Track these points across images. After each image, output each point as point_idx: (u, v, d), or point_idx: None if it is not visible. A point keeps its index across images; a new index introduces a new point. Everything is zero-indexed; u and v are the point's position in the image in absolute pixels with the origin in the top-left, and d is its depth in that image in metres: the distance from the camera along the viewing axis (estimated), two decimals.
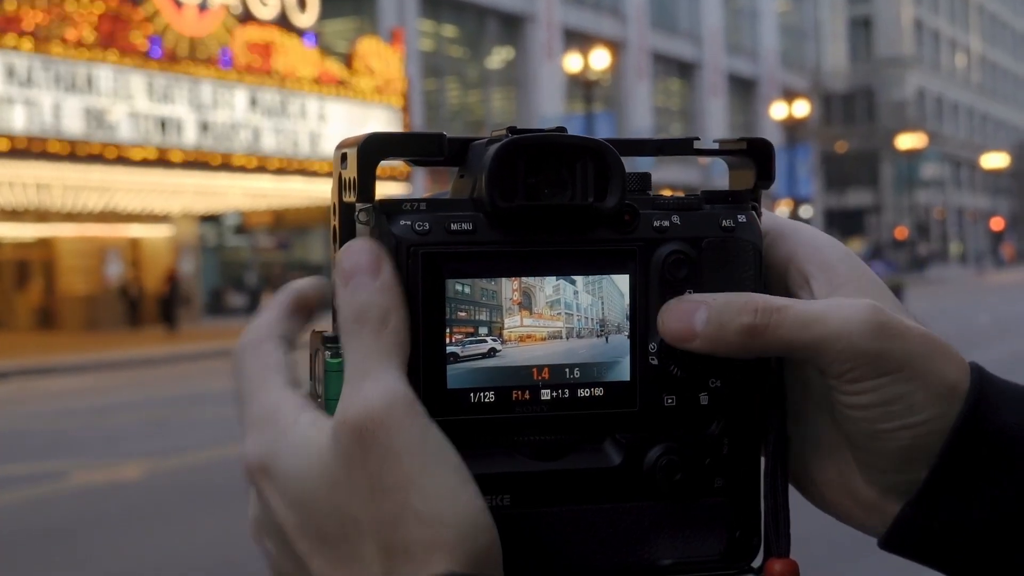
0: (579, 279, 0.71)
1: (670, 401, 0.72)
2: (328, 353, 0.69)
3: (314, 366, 0.73)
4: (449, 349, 0.68)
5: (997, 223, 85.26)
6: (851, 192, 69.22)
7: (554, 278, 0.70)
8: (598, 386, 0.71)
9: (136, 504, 9.39)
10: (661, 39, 47.48)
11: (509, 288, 0.70)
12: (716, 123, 49.92)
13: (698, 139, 0.77)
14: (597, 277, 0.71)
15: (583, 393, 0.71)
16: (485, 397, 0.69)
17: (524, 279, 0.70)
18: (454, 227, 0.68)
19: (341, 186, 0.70)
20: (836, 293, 0.73)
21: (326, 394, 0.69)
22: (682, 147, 0.77)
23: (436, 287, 0.68)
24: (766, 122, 52.56)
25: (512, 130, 0.70)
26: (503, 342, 0.69)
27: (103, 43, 23.24)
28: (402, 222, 0.68)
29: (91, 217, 30.12)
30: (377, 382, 0.65)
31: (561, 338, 0.71)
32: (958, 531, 0.71)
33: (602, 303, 0.71)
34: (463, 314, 0.69)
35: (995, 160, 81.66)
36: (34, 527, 8.58)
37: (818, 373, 0.73)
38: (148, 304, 32.25)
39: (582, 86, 33.14)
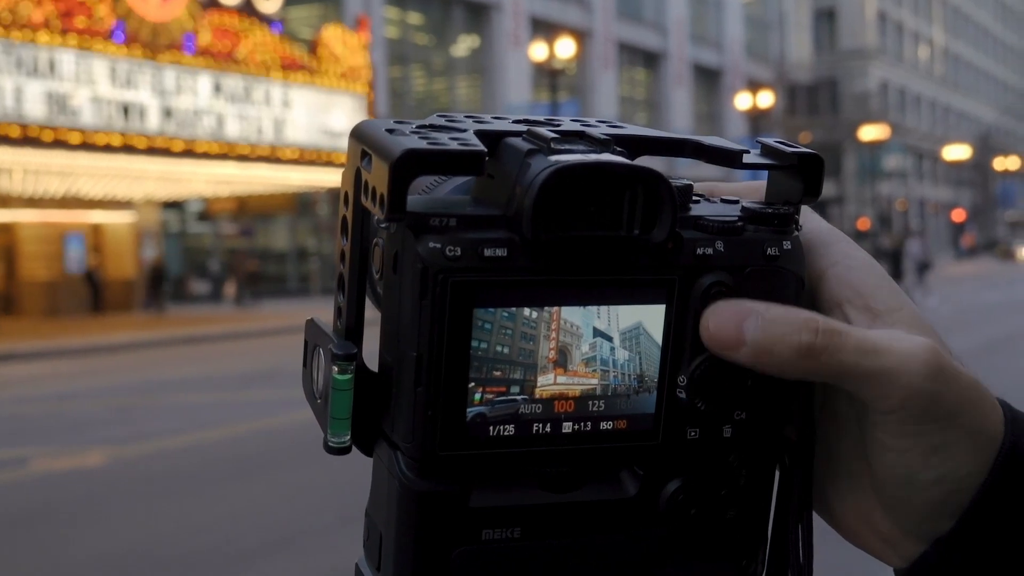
0: (616, 336, 0.66)
1: (693, 434, 0.69)
2: (336, 369, 0.65)
3: (311, 359, 0.69)
4: (478, 410, 0.64)
5: (958, 215, 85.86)
6: None
7: (591, 336, 0.65)
8: (621, 419, 0.67)
9: (99, 491, 9.35)
10: (626, 29, 47.54)
11: (544, 341, 0.65)
12: (681, 113, 50.04)
13: (748, 151, 0.72)
14: (635, 333, 0.66)
15: (605, 426, 0.67)
16: (505, 431, 0.65)
17: (560, 322, 0.65)
18: (487, 253, 0.62)
19: (359, 184, 0.64)
20: (875, 324, 0.69)
21: (331, 411, 0.65)
22: (727, 158, 0.71)
23: (463, 316, 0.62)
24: (731, 112, 52.74)
25: (557, 141, 0.64)
26: (533, 401, 0.65)
27: (64, 27, 23.05)
28: (431, 244, 0.62)
29: (52, 203, 29.89)
30: None
31: (595, 396, 0.67)
32: (983, 573, 0.69)
33: (640, 358, 0.67)
34: (497, 373, 0.64)
35: (957, 152, 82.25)
36: None
37: (850, 404, 0.70)
38: (113, 290, 32.11)
39: (548, 75, 33.14)
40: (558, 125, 0.68)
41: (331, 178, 28.56)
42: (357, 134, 0.65)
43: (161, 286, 32.25)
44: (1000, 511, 0.67)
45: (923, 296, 31.38)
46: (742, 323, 0.65)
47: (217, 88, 26.17)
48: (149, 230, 33.71)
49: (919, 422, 0.66)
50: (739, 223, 0.69)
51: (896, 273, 32.95)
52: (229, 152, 26.43)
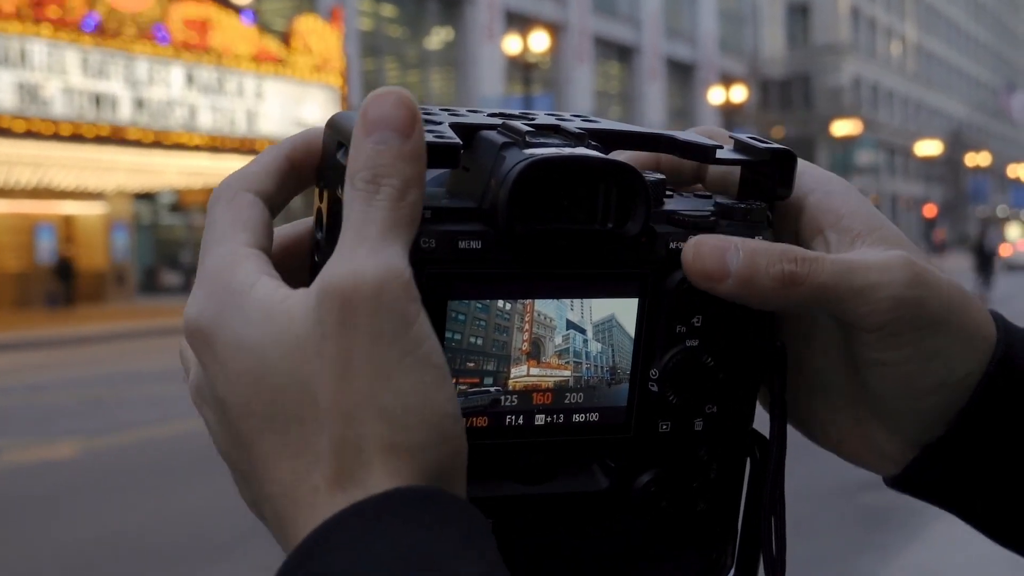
0: (589, 328, 0.67)
1: (664, 427, 0.70)
2: None
3: None
4: None
5: (930, 210, 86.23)
6: None
7: (564, 328, 0.66)
8: (594, 411, 0.68)
9: (70, 482, 9.32)
10: (601, 22, 47.54)
11: (517, 332, 0.65)
12: (654, 107, 50.10)
13: (721, 147, 0.72)
14: (608, 325, 0.67)
15: (578, 418, 0.68)
16: (477, 423, 0.65)
17: (534, 314, 0.65)
18: (462, 245, 0.62)
19: (334, 175, 0.64)
20: (856, 245, 0.70)
21: None
22: (701, 153, 0.72)
23: (437, 308, 0.62)
24: (704, 107, 52.84)
25: (532, 134, 0.65)
26: (506, 393, 0.66)
27: (36, 16, 22.92)
28: None
29: (23, 193, 29.70)
30: (376, 253, 0.57)
31: (568, 388, 0.67)
32: (977, 475, 0.70)
33: (612, 350, 0.68)
34: (471, 365, 0.64)
35: (928, 147, 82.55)
36: None
37: (837, 327, 0.71)
38: (84, 281, 31.92)
39: (521, 68, 33.12)
40: (533, 119, 0.69)
41: None
42: (333, 124, 0.65)
43: (69, 280, 30.80)
44: (992, 413, 0.69)
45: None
46: (725, 255, 0.66)
47: (190, 79, 26.07)
48: (121, 221, 33.53)
49: (909, 331, 0.67)
50: (712, 218, 0.69)
51: (987, 271, 32.27)
52: (202, 143, 26.33)
